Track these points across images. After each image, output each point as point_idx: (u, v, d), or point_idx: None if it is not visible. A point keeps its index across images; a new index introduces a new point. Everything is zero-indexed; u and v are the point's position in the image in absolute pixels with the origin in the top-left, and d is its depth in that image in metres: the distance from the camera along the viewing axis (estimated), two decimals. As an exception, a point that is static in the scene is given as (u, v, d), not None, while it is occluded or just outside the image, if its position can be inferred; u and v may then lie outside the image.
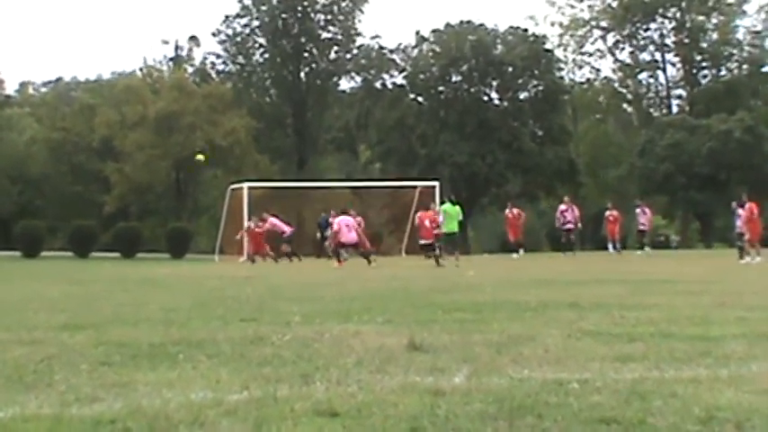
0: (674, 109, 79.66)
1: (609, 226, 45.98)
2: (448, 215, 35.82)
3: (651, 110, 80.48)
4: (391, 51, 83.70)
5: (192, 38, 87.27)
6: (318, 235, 48.34)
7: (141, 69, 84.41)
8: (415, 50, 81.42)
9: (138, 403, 6.17)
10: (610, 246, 45.47)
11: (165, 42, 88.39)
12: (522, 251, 42.45)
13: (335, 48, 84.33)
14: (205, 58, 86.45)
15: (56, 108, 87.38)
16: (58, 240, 72.30)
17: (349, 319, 11.93)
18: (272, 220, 43.06)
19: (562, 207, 45.40)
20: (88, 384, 7.00)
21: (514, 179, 77.25)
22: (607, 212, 46.71)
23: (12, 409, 6.08)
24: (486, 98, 79.58)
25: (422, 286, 19.78)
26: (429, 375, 7.14)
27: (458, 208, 36.84)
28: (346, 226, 36.12)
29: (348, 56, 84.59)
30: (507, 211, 45.25)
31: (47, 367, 7.89)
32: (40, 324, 11.90)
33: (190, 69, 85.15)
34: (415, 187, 52.55)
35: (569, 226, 44.37)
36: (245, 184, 49.05)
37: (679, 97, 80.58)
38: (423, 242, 39.01)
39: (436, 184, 49.71)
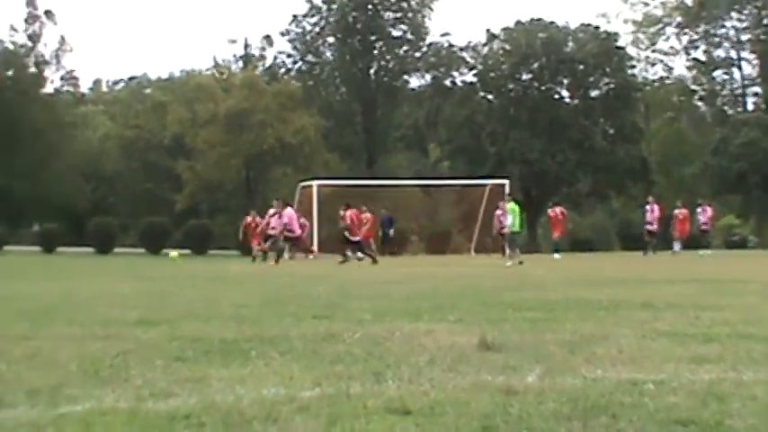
0: (750, 107, 78.72)
1: (678, 225, 45.38)
2: (514, 214, 35.66)
3: (726, 107, 79.58)
4: (461, 49, 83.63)
5: (266, 37, 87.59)
6: (381, 233, 48.16)
7: (213, 68, 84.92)
8: (486, 48, 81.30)
9: (212, 399, 6.21)
10: (675, 244, 44.96)
11: (233, 41, 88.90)
12: (558, 253, 41.41)
13: (405, 46, 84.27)
14: (276, 57, 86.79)
15: (129, 105, 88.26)
16: (130, 237, 73.08)
17: (419, 317, 11.92)
18: (289, 211, 42.25)
19: (654, 208, 44.94)
20: (163, 379, 7.06)
21: (585, 178, 76.93)
22: (676, 211, 46.09)
23: (89, 402, 6.15)
24: (556, 96, 79.30)
25: (491, 285, 19.72)
26: (501, 374, 7.11)
27: (517, 207, 36.68)
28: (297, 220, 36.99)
29: (418, 54, 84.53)
30: (550, 210, 44.43)
31: (122, 362, 7.97)
32: (115, 320, 12.03)
33: (260, 68, 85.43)
34: (484, 185, 52.43)
35: (649, 227, 44.04)
36: (315, 182, 49.25)
37: (755, 95, 79.61)
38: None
39: (506, 181, 49.55)
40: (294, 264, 36.75)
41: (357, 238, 39.49)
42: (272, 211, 41.36)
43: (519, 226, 35.76)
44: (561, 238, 42.43)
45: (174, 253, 40.71)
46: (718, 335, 9.75)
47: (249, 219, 44.85)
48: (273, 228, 40.82)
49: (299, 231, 37.97)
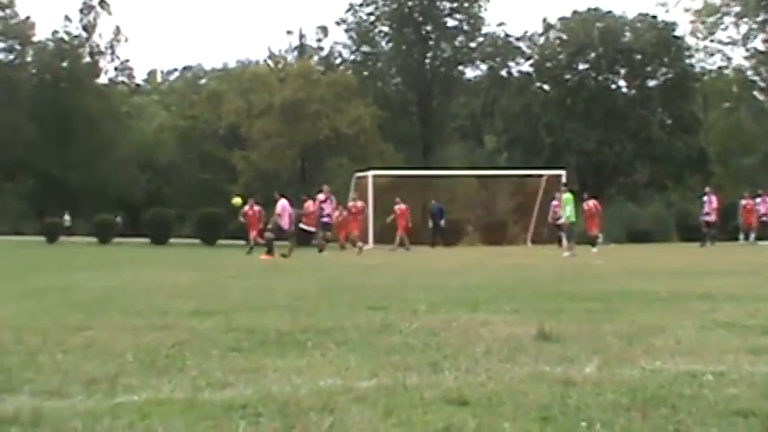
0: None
1: (745, 215, 44.77)
2: (570, 205, 35.44)
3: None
4: (517, 39, 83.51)
5: (322, 27, 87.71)
6: (431, 223, 48.01)
7: (268, 58, 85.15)
8: (542, 38, 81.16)
9: (269, 389, 6.23)
10: (741, 236, 44.52)
11: (290, 33, 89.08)
12: (596, 247, 39.70)
13: (461, 36, 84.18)
14: (332, 47, 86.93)
15: (184, 96, 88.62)
16: (186, 228, 73.49)
17: (476, 308, 11.91)
18: (283, 203, 41.87)
19: (711, 199, 44.39)
20: (219, 369, 7.10)
21: (642, 168, 76.61)
22: (743, 201, 45.48)
23: (146, 392, 6.20)
24: (613, 86, 79.11)
25: (548, 275, 19.67)
26: (559, 365, 7.09)
27: (571, 196, 36.43)
28: (289, 214, 36.59)
29: (473, 44, 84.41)
30: (584, 203, 43.25)
31: (178, 352, 8.02)
32: (171, 310, 12.11)
33: (315, 58, 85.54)
34: (541, 176, 52.29)
35: (707, 218, 43.59)
36: (370, 173, 49.26)
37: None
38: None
39: (563, 172, 49.35)
40: (326, 255, 36.69)
41: (312, 229, 39.27)
42: (321, 197, 41.32)
43: (575, 216, 35.56)
44: (592, 232, 41.09)
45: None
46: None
47: (247, 207, 44.19)
48: (329, 215, 40.85)
49: (287, 226, 37.58)
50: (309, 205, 38.54)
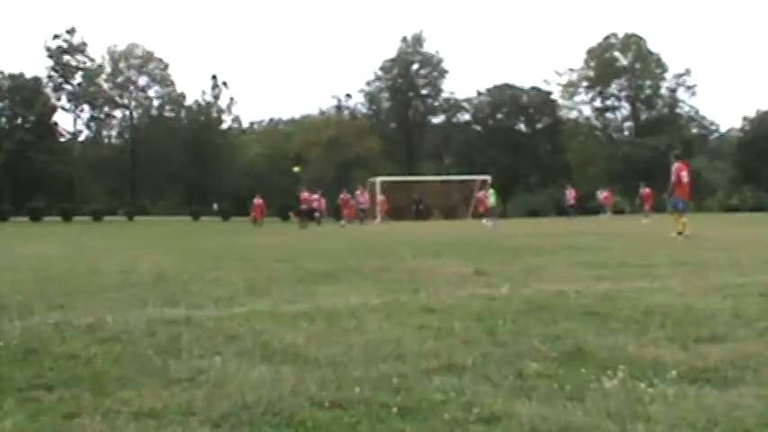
0: (626, 133, 78.83)
1: (644, 199, 37.00)
2: (493, 196, 35.61)
3: (612, 134, 79.47)
4: (462, 101, 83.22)
5: (347, 95, 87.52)
6: (414, 207, 47.79)
7: (320, 113, 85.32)
8: (476, 100, 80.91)
9: (319, 304, 6.24)
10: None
11: (335, 97, 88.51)
12: (486, 220, 34.66)
13: (429, 98, 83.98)
14: (355, 105, 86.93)
15: (269, 135, 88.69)
16: (270, 211, 73.54)
17: (439, 256, 11.92)
18: (257, 201, 41.02)
19: (571, 191, 43.91)
20: (290, 293, 7.11)
21: (534, 174, 76.58)
22: (641, 190, 37.72)
23: (249, 306, 6.23)
24: (516, 128, 78.96)
25: (480, 238, 19.66)
26: (486, 288, 7.10)
27: (494, 191, 36.17)
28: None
29: (436, 103, 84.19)
30: (477, 192, 41.49)
31: (267, 283, 8.03)
32: (263, 258, 12.13)
33: (346, 112, 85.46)
34: (475, 180, 52.08)
35: (569, 203, 43.45)
36: (378, 179, 48.99)
37: (628, 127, 79.74)
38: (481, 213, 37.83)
39: (488, 178, 49.09)
40: (355, 227, 36.59)
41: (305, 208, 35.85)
42: (357, 192, 41.06)
43: (496, 203, 35.38)
44: (485, 211, 38.30)
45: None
46: (609, 263, 9.69)
47: (256, 199, 42.95)
48: (362, 203, 40.31)
49: (315, 205, 36.61)
50: (305, 196, 36.97)
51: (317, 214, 36.26)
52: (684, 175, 17.21)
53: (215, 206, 69.52)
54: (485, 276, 8.37)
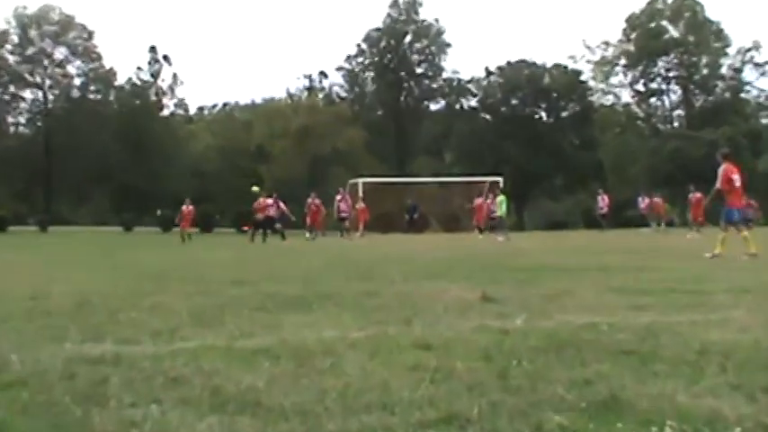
0: (675, 124, 78.77)
1: (692, 208, 37.37)
2: (504, 203, 35.09)
3: (658, 125, 79.47)
4: (467, 82, 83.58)
5: (322, 72, 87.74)
6: (407, 217, 47.70)
7: (288, 96, 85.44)
8: (485, 81, 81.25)
9: (285, 338, 6.22)
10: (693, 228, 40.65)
11: (307, 77, 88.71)
12: (478, 232, 38.18)
13: (426, 79, 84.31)
14: (331, 87, 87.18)
15: (223, 124, 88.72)
16: (225, 220, 73.46)
17: (437, 277, 11.91)
18: (186, 208, 40.39)
19: (604, 197, 43.74)
20: (249, 324, 7.09)
21: (558, 176, 76.91)
22: (690, 195, 39.55)
23: (196, 340, 6.21)
24: (536, 116, 79.29)
25: (489, 254, 19.65)
26: (497, 319, 7.09)
27: (504, 197, 35.93)
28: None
29: (435, 85, 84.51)
30: (480, 199, 41.60)
31: (219, 311, 8.00)
32: (214, 280, 12.08)
33: (320, 95, 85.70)
34: (484, 182, 52.17)
35: (601, 211, 43.49)
36: (360, 180, 49.01)
37: (679, 116, 79.58)
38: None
39: (500, 179, 49.21)
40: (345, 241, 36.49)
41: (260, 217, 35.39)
42: (338, 197, 40.32)
43: (505, 212, 35.12)
44: (479, 223, 39.36)
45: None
46: (652, 289, 9.71)
47: (184, 207, 41.09)
48: (344, 210, 39.60)
49: (271, 213, 35.75)
50: (259, 202, 36.35)
51: (278, 225, 35.52)
52: (737, 179, 17.28)
53: (159, 212, 69.49)
54: (494, 304, 8.37)
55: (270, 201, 35.91)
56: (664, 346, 5.71)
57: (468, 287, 10.09)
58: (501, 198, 35.84)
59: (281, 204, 36.30)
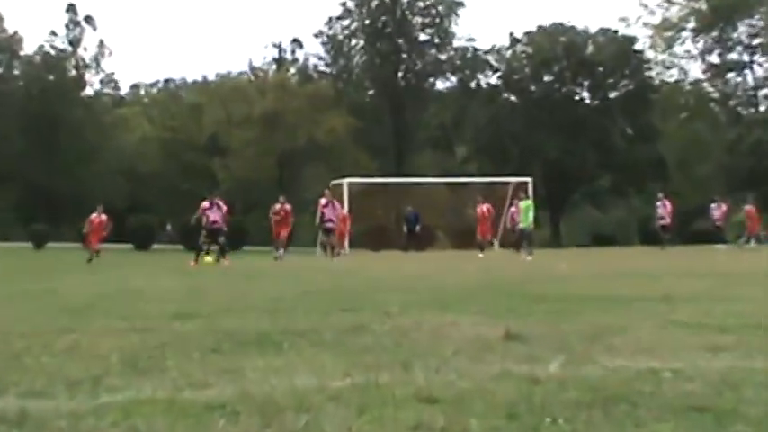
0: (762, 108, 78.57)
1: (749, 221, 43.83)
2: (530, 211, 35.16)
3: (739, 108, 79.35)
4: (485, 53, 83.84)
5: (295, 40, 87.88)
6: (406, 229, 47.61)
7: (249, 71, 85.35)
8: (509, 52, 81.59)
9: (247, 389, 6.21)
10: (750, 240, 43.69)
11: (276, 46, 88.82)
12: (483, 251, 38.74)
13: (432, 49, 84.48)
14: (307, 59, 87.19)
15: (166, 107, 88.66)
16: (168, 234, 73.40)
17: (445, 309, 11.91)
18: (96, 218, 40.34)
19: (666, 204, 44.05)
20: (199, 370, 7.08)
21: (604, 176, 77.03)
22: (747, 207, 44.66)
23: (128, 392, 6.18)
24: (576, 97, 79.67)
25: (513, 278, 19.68)
26: (524, 364, 7.08)
27: (530, 203, 36.16)
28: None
29: (443, 57, 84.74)
30: (478, 207, 42.10)
31: (160, 354, 7.99)
32: (153, 313, 12.06)
33: (292, 70, 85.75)
34: (508, 183, 52.30)
35: (662, 222, 43.50)
36: (345, 180, 49.13)
37: (766, 97, 79.35)
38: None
39: (529, 180, 49.37)
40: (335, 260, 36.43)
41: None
42: (322, 201, 38.90)
43: (531, 222, 35.22)
44: (485, 237, 40.23)
45: (208, 258, 37.44)
46: (731, 325, 9.71)
47: (95, 215, 41.70)
48: (330, 220, 38.64)
49: (213, 219, 35.35)
50: (204, 206, 35.90)
51: (221, 238, 34.94)
52: None
53: (168, 227, 69.37)
54: (521, 343, 8.37)
55: (206, 204, 35.36)
56: (746, 401, 5.67)
57: (487, 321, 10.11)
58: (526, 204, 35.86)
59: (221, 205, 35.58)
